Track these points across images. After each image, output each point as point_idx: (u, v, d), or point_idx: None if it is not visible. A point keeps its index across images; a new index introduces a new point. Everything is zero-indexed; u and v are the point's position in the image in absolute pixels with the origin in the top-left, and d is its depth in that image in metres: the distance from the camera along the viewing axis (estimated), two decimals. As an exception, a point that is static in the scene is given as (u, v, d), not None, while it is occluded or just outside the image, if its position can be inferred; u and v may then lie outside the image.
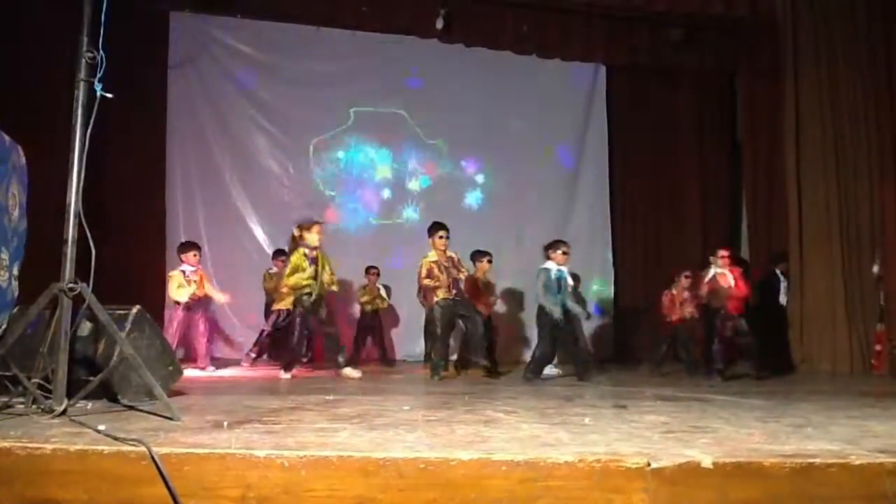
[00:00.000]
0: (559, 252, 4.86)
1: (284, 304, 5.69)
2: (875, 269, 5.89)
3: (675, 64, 7.64)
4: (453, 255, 4.99)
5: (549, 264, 4.86)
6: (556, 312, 4.69)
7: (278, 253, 6.27)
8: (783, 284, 6.20)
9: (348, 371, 4.63)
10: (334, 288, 4.96)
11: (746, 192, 7.47)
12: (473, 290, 5.46)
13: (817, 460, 1.52)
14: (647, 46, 7.50)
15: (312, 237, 4.73)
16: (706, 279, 5.28)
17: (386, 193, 7.63)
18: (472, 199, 7.83)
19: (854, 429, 2.12)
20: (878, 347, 5.94)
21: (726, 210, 8.04)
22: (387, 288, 6.67)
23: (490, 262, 5.66)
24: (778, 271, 6.23)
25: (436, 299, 4.87)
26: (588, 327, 7.71)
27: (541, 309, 4.83)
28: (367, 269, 6.52)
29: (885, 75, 6.03)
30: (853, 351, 5.90)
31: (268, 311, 6.23)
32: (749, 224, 7.41)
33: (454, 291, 4.86)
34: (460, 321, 5.06)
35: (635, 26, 7.34)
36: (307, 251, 4.74)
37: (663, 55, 7.48)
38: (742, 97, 7.63)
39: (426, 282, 4.92)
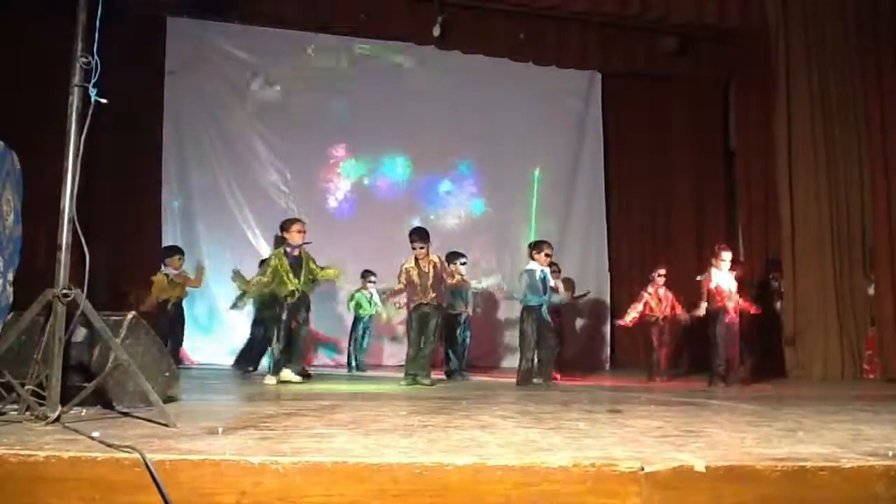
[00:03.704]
0: (543, 253, 4.90)
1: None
2: (870, 290, 5.96)
3: (670, 72, 7.72)
4: (436, 259, 4.95)
5: (533, 265, 4.89)
6: (543, 311, 4.76)
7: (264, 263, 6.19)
8: (774, 288, 6.25)
9: (286, 374, 4.54)
10: (327, 277, 4.96)
11: (740, 199, 7.53)
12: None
13: (809, 464, 1.54)
14: (642, 55, 7.57)
15: (294, 236, 4.71)
16: (709, 281, 5.13)
17: (383, 199, 7.64)
18: (470, 204, 7.85)
19: (845, 433, 2.13)
20: (869, 352, 5.99)
21: (721, 216, 8.09)
22: (380, 294, 6.68)
23: (464, 264, 5.64)
24: (771, 278, 6.29)
25: (412, 305, 4.86)
26: (584, 330, 7.75)
27: (525, 310, 4.86)
28: (363, 274, 6.52)
29: (875, 84, 6.12)
30: (844, 356, 5.94)
31: (256, 321, 6.02)
32: (743, 230, 7.47)
33: (432, 295, 4.82)
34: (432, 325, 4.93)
35: (630, 35, 7.41)
36: (288, 250, 4.71)
37: (658, 63, 7.55)
38: (735, 105, 7.71)
39: (399, 286, 4.96)
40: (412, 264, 4.87)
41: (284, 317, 4.68)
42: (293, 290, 4.66)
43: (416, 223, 7.61)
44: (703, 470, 1.48)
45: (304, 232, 4.73)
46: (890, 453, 1.68)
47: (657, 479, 1.46)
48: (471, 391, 4.20)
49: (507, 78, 7.65)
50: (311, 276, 4.78)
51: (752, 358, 5.62)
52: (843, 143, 6.20)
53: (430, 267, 4.86)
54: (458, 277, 5.22)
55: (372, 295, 6.58)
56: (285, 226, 4.78)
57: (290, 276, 4.66)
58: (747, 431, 2.16)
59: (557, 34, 7.44)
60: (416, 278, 4.81)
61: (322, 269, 4.86)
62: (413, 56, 7.41)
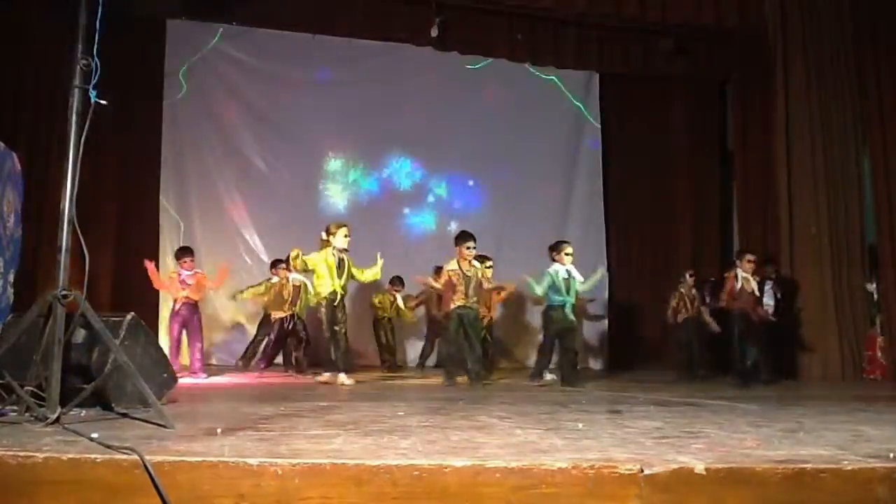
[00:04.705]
0: (563, 253, 4.93)
1: (283, 312, 5.74)
2: (871, 287, 5.97)
3: (668, 73, 7.72)
4: (478, 264, 5.04)
5: (556, 266, 4.92)
6: (567, 311, 4.80)
7: (277, 263, 6.21)
8: (770, 287, 6.25)
9: (342, 378, 4.62)
10: (374, 277, 5.01)
11: (738, 199, 7.53)
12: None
13: (809, 466, 1.53)
14: (639, 55, 7.58)
15: (339, 239, 4.77)
16: (733, 283, 5.18)
17: (383, 201, 7.64)
18: (467, 206, 7.85)
19: (846, 434, 2.13)
20: (869, 352, 5.99)
21: (719, 216, 8.10)
22: (404, 299, 6.74)
23: (489, 267, 5.64)
24: (766, 276, 6.29)
25: (452, 306, 4.90)
26: (582, 330, 7.75)
27: (547, 310, 4.88)
28: (391, 281, 6.56)
29: (874, 84, 6.12)
30: (844, 356, 5.94)
31: (263, 321, 6.17)
32: (741, 230, 7.47)
33: (474, 299, 4.91)
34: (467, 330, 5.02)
35: (628, 35, 7.42)
36: (334, 251, 4.78)
37: (656, 64, 7.56)
38: (733, 106, 7.71)
39: (437, 287, 5.02)
40: (455, 267, 4.90)
41: (327, 317, 4.72)
42: (334, 290, 4.70)
43: (417, 224, 7.63)
44: (704, 472, 1.48)
45: (349, 237, 4.81)
46: (891, 455, 1.67)
47: (657, 482, 1.45)
48: (470, 392, 4.19)
49: (505, 79, 7.65)
50: (351, 278, 4.85)
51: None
52: (842, 142, 6.21)
53: (473, 271, 4.93)
54: (492, 284, 5.28)
55: (395, 299, 6.63)
56: (331, 229, 4.83)
57: (335, 276, 4.72)
58: (747, 433, 2.16)
59: (555, 35, 7.45)
60: (458, 281, 4.86)
61: (362, 270, 4.91)
62: (411, 57, 7.40)
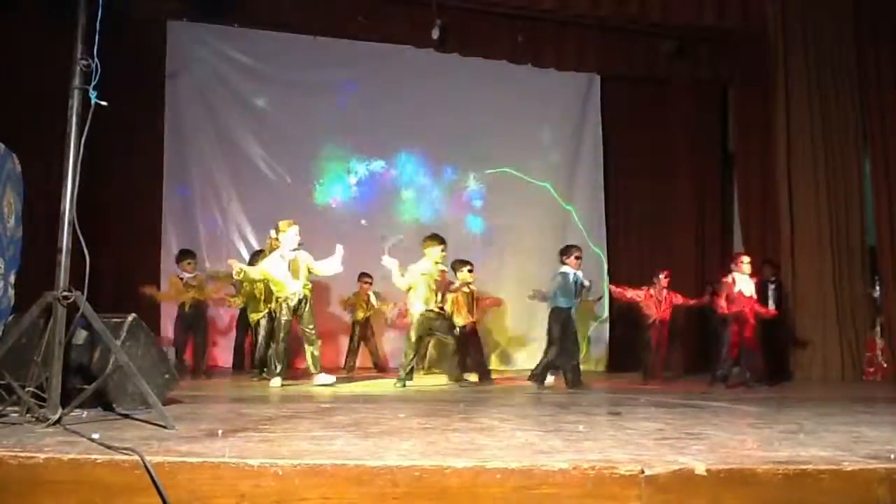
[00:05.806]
0: (573, 257, 4.98)
1: (259, 315, 5.48)
2: (876, 293, 5.97)
3: (669, 74, 7.73)
4: (444, 268, 4.99)
5: (566, 268, 4.95)
6: (573, 313, 4.83)
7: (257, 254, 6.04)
8: (771, 290, 6.26)
9: (322, 378, 4.54)
10: (320, 273, 4.74)
11: (739, 201, 7.53)
12: (454, 300, 5.44)
13: (810, 467, 1.53)
14: (641, 57, 7.58)
15: (290, 237, 4.64)
16: (731, 287, 5.13)
17: (381, 201, 7.64)
18: (467, 208, 7.85)
19: (846, 435, 2.13)
20: (869, 354, 5.99)
21: (720, 218, 8.10)
22: (376, 295, 6.65)
23: (471, 271, 5.54)
24: (768, 281, 6.30)
25: (417, 309, 4.85)
26: (582, 331, 7.75)
27: (554, 311, 4.89)
28: (360, 277, 6.50)
29: (874, 86, 6.13)
30: (844, 358, 5.94)
31: (241, 319, 5.97)
32: (743, 232, 7.47)
33: (438, 305, 4.84)
34: (435, 336, 5.02)
35: (629, 37, 7.42)
36: (283, 253, 4.65)
37: (657, 66, 7.56)
38: (734, 108, 7.72)
39: (404, 288, 4.94)
40: (426, 269, 4.84)
41: (285, 318, 4.64)
42: (294, 293, 4.60)
43: (416, 225, 7.62)
44: (704, 473, 1.48)
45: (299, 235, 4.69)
46: (892, 456, 1.68)
47: (657, 483, 1.45)
48: (470, 393, 4.19)
49: (506, 81, 7.65)
50: (310, 274, 4.69)
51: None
52: (842, 144, 6.22)
53: (440, 274, 4.89)
54: (457, 284, 5.19)
55: (369, 297, 6.56)
56: (281, 227, 4.70)
57: (290, 278, 4.62)
58: (748, 434, 2.16)
59: (556, 37, 7.45)
60: (426, 283, 4.81)
61: (322, 263, 4.70)
62: (412, 59, 7.40)
